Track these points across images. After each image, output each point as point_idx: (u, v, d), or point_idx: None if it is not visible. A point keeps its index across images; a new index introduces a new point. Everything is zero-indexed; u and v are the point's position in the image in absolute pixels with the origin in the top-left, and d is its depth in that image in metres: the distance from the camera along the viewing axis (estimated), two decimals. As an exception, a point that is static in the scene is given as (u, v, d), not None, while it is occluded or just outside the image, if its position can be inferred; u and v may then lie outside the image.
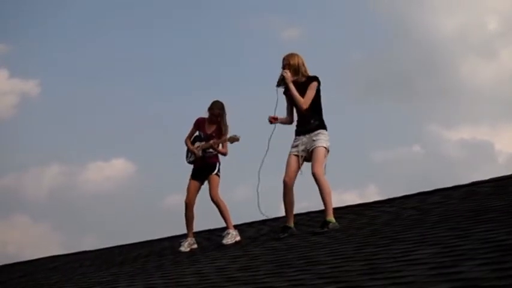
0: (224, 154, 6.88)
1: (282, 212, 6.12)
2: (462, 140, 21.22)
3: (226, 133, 6.87)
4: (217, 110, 6.87)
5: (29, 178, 21.04)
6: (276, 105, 6.02)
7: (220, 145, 6.87)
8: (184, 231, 7.00)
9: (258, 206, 6.03)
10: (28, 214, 20.69)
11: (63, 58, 20.75)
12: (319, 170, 5.72)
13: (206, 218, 7.52)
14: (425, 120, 21.26)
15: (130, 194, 20.26)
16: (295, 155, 5.90)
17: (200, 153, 6.85)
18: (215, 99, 6.94)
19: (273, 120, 6.02)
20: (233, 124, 7.04)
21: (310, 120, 5.92)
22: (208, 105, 6.91)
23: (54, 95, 20.87)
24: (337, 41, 20.36)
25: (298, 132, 5.98)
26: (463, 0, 21.52)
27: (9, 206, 18.77)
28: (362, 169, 18.62)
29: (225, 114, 6.91)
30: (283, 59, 6.05)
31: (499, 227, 3.81)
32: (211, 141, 6.81)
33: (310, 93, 5.90)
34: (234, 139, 6.76)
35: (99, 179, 21.17)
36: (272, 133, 6.01)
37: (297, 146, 5.94)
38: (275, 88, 6.04)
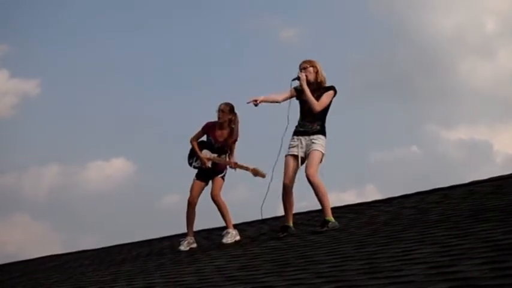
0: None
1: (281, 212, 6.14)
2: (460, 140, 21.24)
3: (235, 137, 6.73)
4: (222, 105, 6.69)
5: (29, 177, 21.05)
6: (290, 100, 6.04)
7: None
8: (184, 230, 7.00)
9: (261, 206, 6.04)
10: (28, 213, 20.71)
11: (63, 58, 20.75)
12: (312, 172, 5.74)
13: (205, 218, 7.52)
14: (424, 120, 21.28)
15: (130, 193, 20.27)
16: (293, 156, 5.92)
17: (210, 165, 6.70)
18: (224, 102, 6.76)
19: (254, 102, 5.91)
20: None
21: (314, 123, 5.94)
22: (216, 107, 6.75)
23: (54, 95, 20.90)
24: (336, 42, 20.37)
25: (298, 133, 5.99)
26: (461, 0, 21.53)
27: (9, 206, 18.78)
28: (361, 169, 18.63)
29: (236, 118, 6.72)
30: (303, 63, 6.06)
31: (497, 226, 3.83)
32: (232, 163, 6.63)
33: (326, 99, 5.94)
34: (259, 173, 6.44)
35: (99, 178, 21.18)
36: (285, 131, 6.02)
37: (295, 146, 5.94)
38: (290, 81, 6.04)
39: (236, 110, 6.76)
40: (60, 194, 20.76)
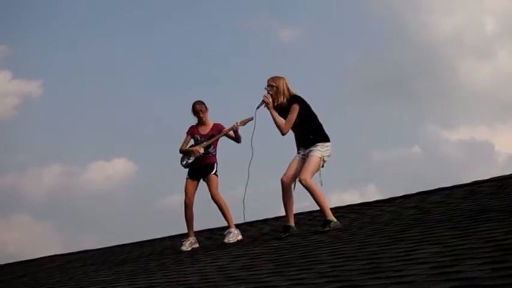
0: (238, 138, 6.88)
1: (282, 212, 6.15)
2: (461, 140, 21.24)
3: (211, 127, 6.91)
4: (197, 106, 6.94)
5: (31, 178, 21.07)
6: (254, 127, 6.14)
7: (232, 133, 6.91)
8: (186, 230, 7.00)
9: (243, 214, 6.22)
10: (29, 214, 20.73)
11: (65, 59, 20.76)
12: (305, 176, 5.76)
13: (207, 217, 7.54)
14: (424, 120, 21.30)
15: (131, 193, 20.28)
16: (297, 159, 5.99)
17: (202, 150, 6.82)
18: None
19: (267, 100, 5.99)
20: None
21: (307, 135, 5.98)
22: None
23: (56, 95, 20.92)
24: (336, 42, 20.38)
25: (303, 146, 6.05)
26: (460, 1, 21.53)
27: (11, 206, 18.80)
28: (362, 169, 18.64)
29: (207, 110, 6.99)
30: (268, 80, 6.08)
31: (499, 226, 3.83)
32: (224, 132, 6.82)
33: (291, 117, 5.93)
34: (246, 120, 6.68)
35: (100, 178, 21.19)
36: (250, 161, 6.15)
37: (298, 153, 6.05)
38: (255, 111, 6.12)
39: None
40: (61, 194, 20.79)
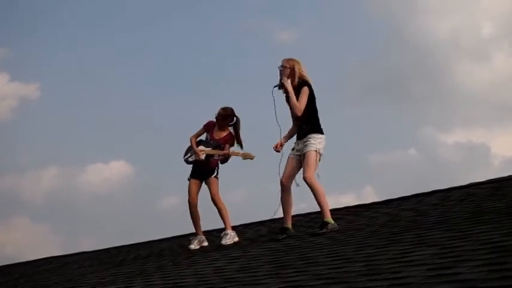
0: (224, 160, 6.84)
1: (280, 214, 6.16)
2: (457, 143, 21.28)
3: (225, 135, 6.82)
4: (221, 110, 6.83)
5: (29, 180, 21.06)
6: (275, 106, 6.02)
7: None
8: (185, 231, 7.02)
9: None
10: (27, 216, 20.71)
11: (64, 60, 20.75)
12: (309, 174, 5.75)
13: (204, 219, 7.52)
14: (421, 123, 21.33)
15: (129, 195, 20.28)
16: (292, 158, 5.97)
17: (203, 157, 6.79)
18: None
19: (279, 147, 6.06)
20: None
21: (302, 125, 5.97)
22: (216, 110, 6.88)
23: (54, 98, 20.91)
24: (333, 44, 20.41)
25: (297, 137, 6.05)
26: (457, 4, 21.58)
27: (9, 208, 18.78)
28: (359, 172, 18.64)
29: (238, 125, 6.87)
30: (282, 61, 6.07)
31: (496, 228, 3.84)
32: (224, 152, 6.73)
33: (303, 99, 5.93)
34: (248, 156, 6.62)
35: (98, 180, 21.17)
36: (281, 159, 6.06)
37: (293, 149, 6.02)
38: (272, 89, 6.04)
39: (237, 114, 6.89)
40: (59, 196, 20.77)
